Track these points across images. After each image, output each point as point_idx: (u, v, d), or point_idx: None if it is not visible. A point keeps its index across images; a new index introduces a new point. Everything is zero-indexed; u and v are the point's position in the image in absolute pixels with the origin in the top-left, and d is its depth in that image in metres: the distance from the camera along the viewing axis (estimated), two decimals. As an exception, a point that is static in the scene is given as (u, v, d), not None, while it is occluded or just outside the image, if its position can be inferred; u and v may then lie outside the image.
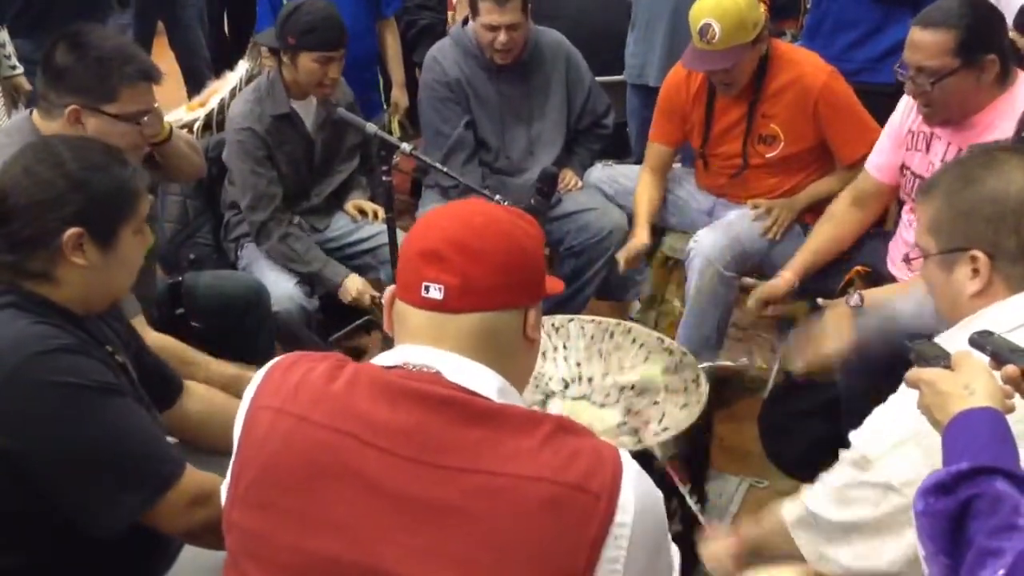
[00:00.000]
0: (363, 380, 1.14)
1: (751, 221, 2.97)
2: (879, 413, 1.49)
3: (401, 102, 4.00)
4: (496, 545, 1.04)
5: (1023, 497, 1.05)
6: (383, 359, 1.19)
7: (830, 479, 1.52)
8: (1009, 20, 2.65)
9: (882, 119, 2.71)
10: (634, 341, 2.39)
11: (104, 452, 1.46)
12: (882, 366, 2.07)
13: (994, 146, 1.82)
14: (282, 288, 2.89)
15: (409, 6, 4.41)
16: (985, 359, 1.26)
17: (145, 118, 2.10)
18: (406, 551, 1.06)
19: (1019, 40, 2.65)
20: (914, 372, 1.28)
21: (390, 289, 1.25)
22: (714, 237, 2.92)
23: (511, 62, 3.23)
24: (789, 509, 1.58)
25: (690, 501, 1.96)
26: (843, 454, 1.49)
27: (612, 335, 2.41)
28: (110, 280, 1.61)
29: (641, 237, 3.06)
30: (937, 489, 1.09)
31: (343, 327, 3.38)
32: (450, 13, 4.47)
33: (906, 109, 2.55)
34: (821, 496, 1.51)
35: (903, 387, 1.37)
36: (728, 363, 2.80)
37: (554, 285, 1.27)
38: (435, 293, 1.16)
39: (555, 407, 2.26)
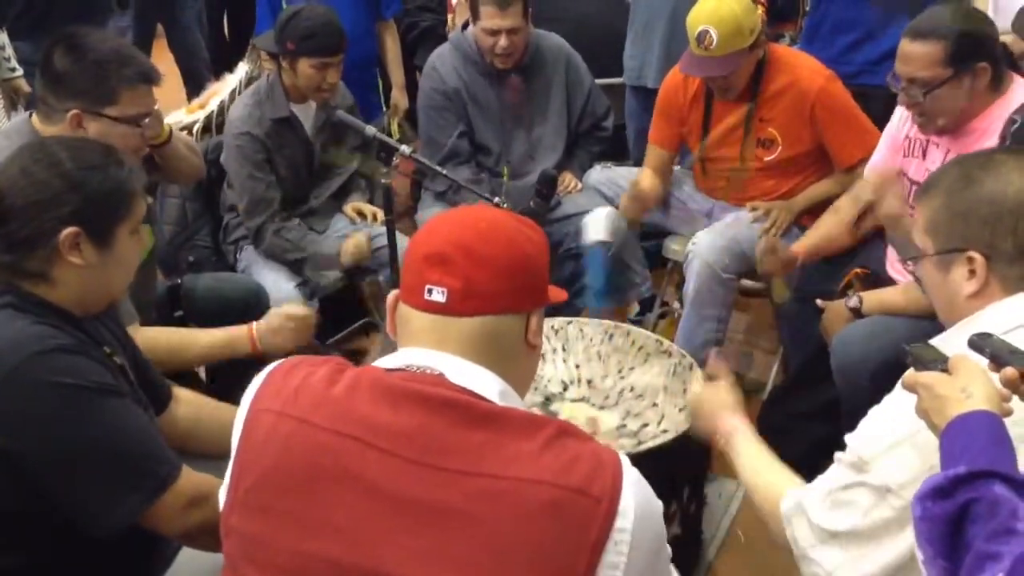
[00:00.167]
0: (364, 383, 1.14)
1: (749, 223, 2.98)
2: (874, 414, 1.49)
3: (401, 104, 4.00)
4: (497, 548, 1.04)
5: (1021, 501, 1.06)
6: (385, 362, 1.19)
7: (826, 481, 1.52)
8: (1008, 22, 2.66)
9: (881, 121, 2.72)
10: (633, 343, 2.39)
11: (102, 452, 1.47)
12: (881, 368, 2.10)
13: (994, 149, 1.82)
14: (281, 290, 2.89)
15: (410, 8, 4.42)
16: (984, 361, 1.26)
17: (146, 120, 2.11)
18: (407, 553, 1.06)
19: (1014, 44, 2.65)
20: (911, 376, 1.28)
21: (394, 293, 1.26)
22: (712, 239, 2.92)
23: (511, 66, 3.23)
24: (787, 498, 1.57)
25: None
26: (838, 455, 1.49)
27: (611, 337, 2.42)
28: (107, 280, 1.62)
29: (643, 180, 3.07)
30: (935, 493, 1.09)
31: (342, 330, 3.38)
32: (450, 16, 4.47)
33: (903, 116, 2.55)
34: (816, 497, 1.51)
35: (898, 388, 1.37)
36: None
37: (557, 294, 1.28)
38: (438, 296, 1.16)
39: (556, 408, 2.27)
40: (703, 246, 2.91)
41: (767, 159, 3.00)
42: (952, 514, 1.07)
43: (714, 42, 2.77)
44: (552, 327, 2.42)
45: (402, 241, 2.58)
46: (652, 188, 3.12)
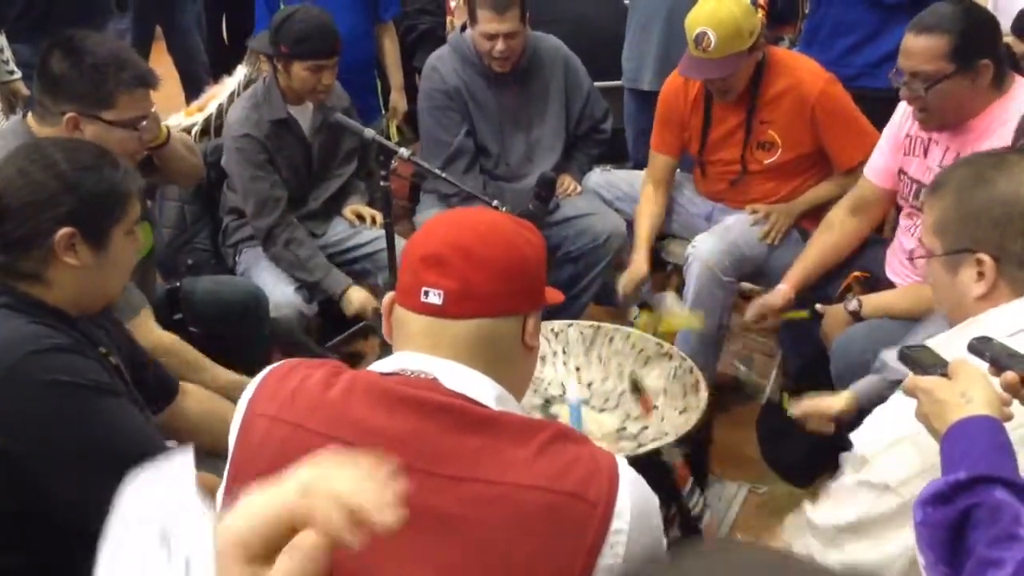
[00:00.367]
0: (360, 387, 1.14)
1: (749, 226, 2.97)
2: (878, 413, 1.49)
3: (400, 106, 4.00)
4: (492, 553, 1.03)
5: (1022, 506, 1.05)
6: (380, 366, 1.19)
7: (833, 484, 1.51)
8: (1007, 24, 2.65)
9: (880, 124, 2.71)
10: (633, 346, 2.38)
11: (100, 451, 1.47)
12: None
13: (1006, 149, 1.81)
14: (280, 293, 2.88)
15: (408, 11, 4.41)
16: (984, 366, 1.25)
17: (143, 123, 2.10)
18: (400, 558, 1.05)
19: (1016, 45, 2.65)
20: (911, 380, 1.28)
21: (390, 295, 1.25)
22: (712, 242, 2.92)
23: (509, 69, 3.22)
24: (793, 521, 1.56)
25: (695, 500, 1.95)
26: (843, 456, 1.49)
27: (611, 340, 2.41)
28: (102, 281, 1.62)
29: (640, 264, 3.02)
30: (936, 499, 1.09)
31: (341, 332, 3.37)
32: (448, 18, 4.46)
33: (904, 114, 2.55)
34: (821, 502, 1.51)
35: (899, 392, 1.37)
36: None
37: (554, 296, 1.27)
38: (434, 298, 1.16)
39: (556, 411, 2.26)
40: (703, 249, 2.90)
41: (767, 162, 2.99)
42: (953, 520, 1.07)
43: (713, 44, 2.76)
44: (552, 330, 2.41)
45: (400, 244, 2.58)
46: (653, 228, 3.09)
